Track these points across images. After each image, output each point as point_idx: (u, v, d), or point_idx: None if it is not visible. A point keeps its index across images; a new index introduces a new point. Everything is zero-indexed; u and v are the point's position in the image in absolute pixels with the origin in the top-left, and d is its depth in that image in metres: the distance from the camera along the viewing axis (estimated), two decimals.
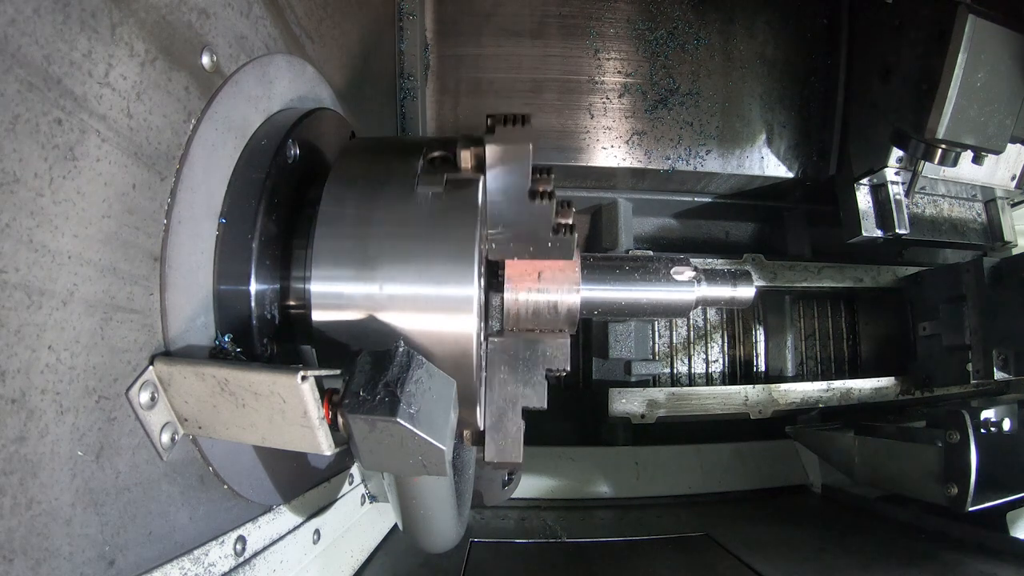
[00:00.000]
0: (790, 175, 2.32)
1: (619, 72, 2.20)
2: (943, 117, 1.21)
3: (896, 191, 2.15)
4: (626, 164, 2.20)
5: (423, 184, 0.85)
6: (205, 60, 0.84)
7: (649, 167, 2.22)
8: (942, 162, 1.43)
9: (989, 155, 1.53)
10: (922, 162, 1.80)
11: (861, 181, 2.18)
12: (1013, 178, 2.29)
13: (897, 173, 2.11)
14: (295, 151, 0.99)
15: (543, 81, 2.17)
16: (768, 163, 2.30)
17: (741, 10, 2.28)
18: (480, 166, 0.84)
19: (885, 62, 1.62)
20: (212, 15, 0.86)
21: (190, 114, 0.81)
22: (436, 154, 0.88)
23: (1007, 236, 2.49)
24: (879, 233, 2.18)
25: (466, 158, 0.85)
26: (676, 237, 2.57)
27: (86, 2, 0.63)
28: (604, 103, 2.19)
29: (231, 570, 0.92)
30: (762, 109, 2.30)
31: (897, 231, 2.13)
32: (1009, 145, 1.57)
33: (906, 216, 2.15)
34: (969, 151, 1.48)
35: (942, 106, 1.20)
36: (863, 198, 2.20)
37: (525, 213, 0.88)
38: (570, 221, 0.93)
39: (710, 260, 2.27)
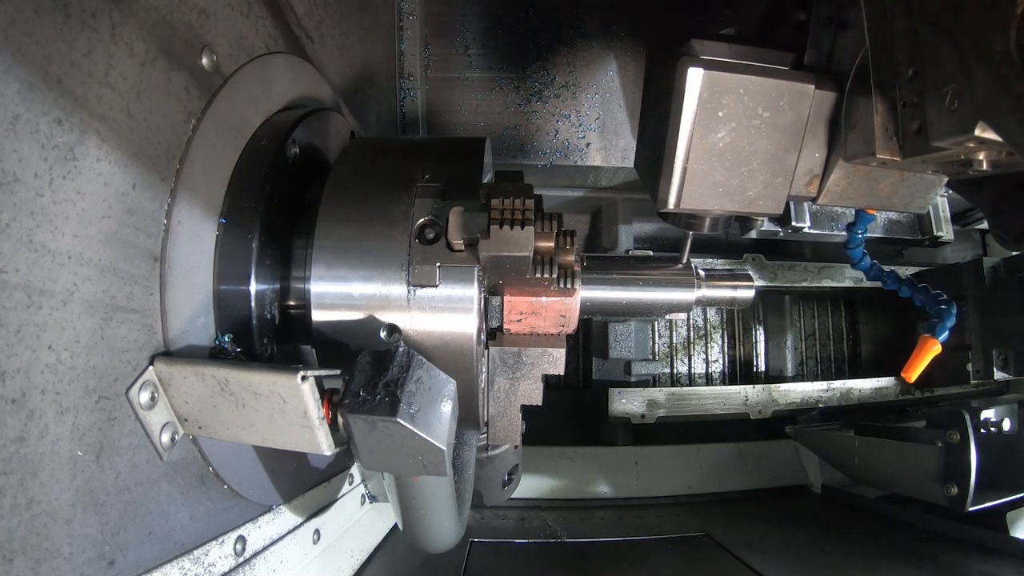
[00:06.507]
0: None
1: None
2: (671, 187, 0.99)
3: None
4: (627, 164, 2.20)
5: (416, 263, 0.84)
6: (205, 60, 0.84)
7: None
8: (712, 231, 1.16)
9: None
10: None
11: None
12: None
13: None
14: (295, 151, 1.00)
15: None
16: None
17: None
18: (473, 243, 0.82)
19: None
20: (212, 15, 0.86)
21: (190, 114, 0.81)
22: (426, 219, 0.86)
23: (937, 230, 2.20)
24: (775, 228, 2.00)
25: (458, 239, 0.83)
26: (676, 237, 2.55)
27: (86, 2, 0.63)
28: None
29: (231, 570, 0.92)
30: None
31: (795, 225, 1.96)
32: None
33: (807, 209, 1.97)
34: (727, 217, 1.17)
35: (670, 174, 0.98)
36: None
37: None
38: (572, 260, 0.93)
39: (710, 260, 2.27)
